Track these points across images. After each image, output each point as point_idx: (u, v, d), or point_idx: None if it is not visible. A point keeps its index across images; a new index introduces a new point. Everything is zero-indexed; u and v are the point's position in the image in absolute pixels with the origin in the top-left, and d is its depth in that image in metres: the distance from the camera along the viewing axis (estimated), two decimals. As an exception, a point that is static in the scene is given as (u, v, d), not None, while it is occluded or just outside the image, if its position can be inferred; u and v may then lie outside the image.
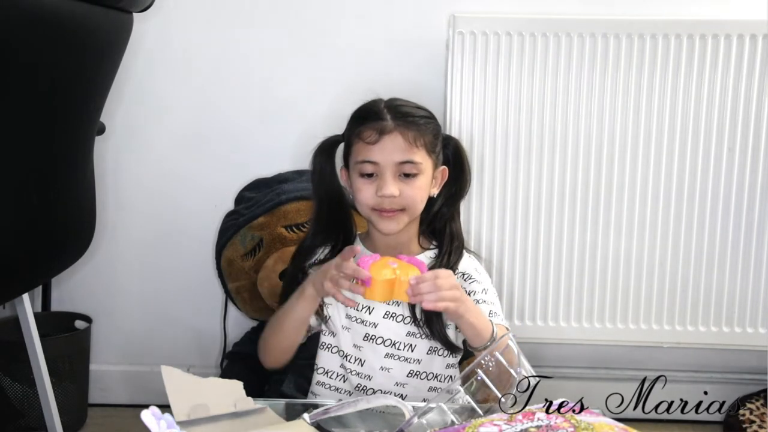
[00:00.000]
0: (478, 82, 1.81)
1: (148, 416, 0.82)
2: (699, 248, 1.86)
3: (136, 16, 1.35)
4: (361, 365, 1.31)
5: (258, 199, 1.81)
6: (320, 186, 1.35)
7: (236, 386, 1.06)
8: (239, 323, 1.97)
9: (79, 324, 1.98)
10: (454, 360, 1.33)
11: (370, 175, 1.27)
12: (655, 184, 1.84)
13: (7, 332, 1.82)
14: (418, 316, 1.29)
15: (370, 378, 1.31)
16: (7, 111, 1.07)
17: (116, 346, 2.07)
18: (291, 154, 1.93)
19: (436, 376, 1.31)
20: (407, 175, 1.26)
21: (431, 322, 1.28)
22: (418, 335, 1.30)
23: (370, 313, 1.31)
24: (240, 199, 1.89)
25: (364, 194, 1.27)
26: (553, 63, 1.80)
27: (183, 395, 0.99)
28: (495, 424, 0.85)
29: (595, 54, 1.79)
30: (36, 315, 1.59)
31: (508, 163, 1.83)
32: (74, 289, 2.04)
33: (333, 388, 1.33)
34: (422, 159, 1.27)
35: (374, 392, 1.31)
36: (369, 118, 1.28)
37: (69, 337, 1.92)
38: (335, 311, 1.33)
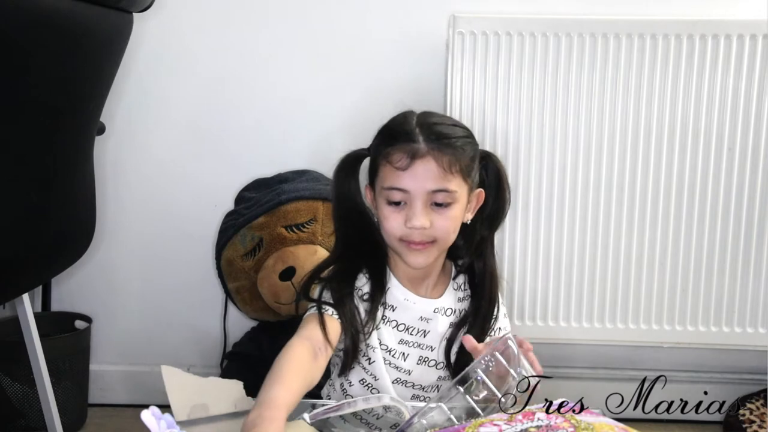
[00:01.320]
0: (478, 82, 1.81)
1: (148, 416, 0.82)
2: (699, 248, 1.86)
3: (136, 16, 1.35)
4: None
5: (258, 199, 1.81)
6: (341, 206, 1.24)
7: (236, 386, 1.07)
8: (239, 323, 1.97)
9: (79, 324, 1.98)
10: None
11: (398, 203, 1.15)
12: (654, 184, 1.84)
13: (7, 332, 1.82)
14: (452, 360, 1.24)
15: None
16: (7, 111, 1.07)
17: (116, 346, 2.07)
18: (291, 154, 1.93)
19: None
20: (439, 205, 1.14)
21: (462, 367, 1.24)
22: (446, 377, 1.26)
23: (405, 360, 1.24)
24: (240, 199, 1.89)
25: (392, 224, 1.16)
26: (553, 63, 1.80)
27: (183, 395, 1.00)
28: (495, 424, 0.85)
29: (595, 54, 1.79)
30: (36, 315, 1.59)
31: (507, 163, 1.83)
32: (74, 289, 2.04)
33: (364, 420, 1.26)
34: (457, 186, 1.14)
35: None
36: (399, 139, 1.14)
37: (69, 337, 1.91)
38: (378, 356, 1.23)
